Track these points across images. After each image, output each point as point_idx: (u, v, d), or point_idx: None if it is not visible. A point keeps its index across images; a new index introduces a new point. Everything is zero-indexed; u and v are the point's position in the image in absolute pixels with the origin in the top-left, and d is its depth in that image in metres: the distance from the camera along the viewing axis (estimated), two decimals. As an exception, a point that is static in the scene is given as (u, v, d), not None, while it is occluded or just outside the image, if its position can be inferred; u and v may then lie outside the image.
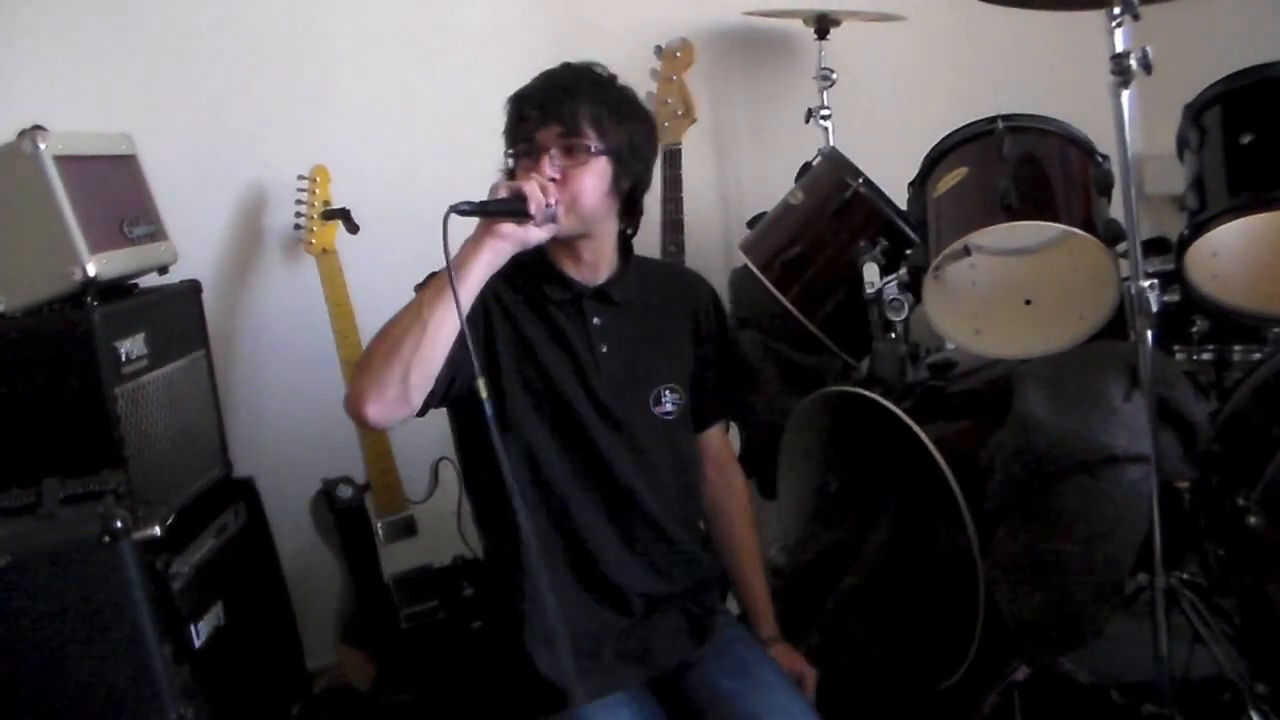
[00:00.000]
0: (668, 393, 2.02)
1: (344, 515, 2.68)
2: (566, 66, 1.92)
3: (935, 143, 2.58)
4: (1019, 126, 2.42)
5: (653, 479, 1.98)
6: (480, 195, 2.95)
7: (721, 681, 1.94)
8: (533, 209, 1.74)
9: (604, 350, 1.95)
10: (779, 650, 2.12)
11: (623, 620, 1.96)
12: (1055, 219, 2.32)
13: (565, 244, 1.92)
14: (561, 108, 1.83)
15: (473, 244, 1.76)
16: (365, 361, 1.79)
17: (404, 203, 2.96)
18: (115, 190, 2.35)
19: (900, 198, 2.68)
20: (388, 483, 2.71)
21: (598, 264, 1.97)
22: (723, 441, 2.24)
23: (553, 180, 1.82)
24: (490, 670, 2.01)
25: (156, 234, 2.44)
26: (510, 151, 1.91)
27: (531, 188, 1.74)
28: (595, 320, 1.96)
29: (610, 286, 1.98)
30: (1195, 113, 2.38)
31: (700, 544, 2.12)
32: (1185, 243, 2.30)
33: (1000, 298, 2.49)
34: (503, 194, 1.75)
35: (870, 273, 2.54)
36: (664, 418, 2.01)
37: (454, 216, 1.66)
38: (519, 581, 1.90)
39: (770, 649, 2.10)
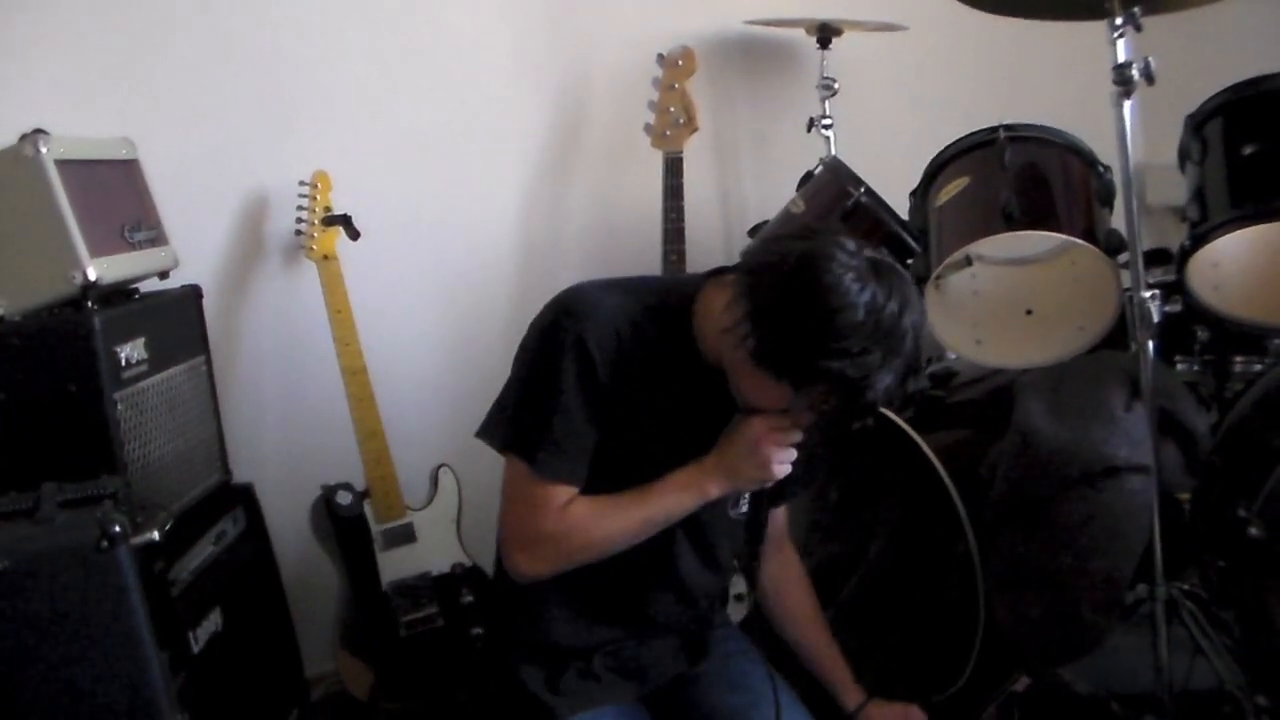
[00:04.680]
0: (747, 493, 1.90)
1: (343, 522, 2.68)
2: (913, 359, 1.64)
3: (937, 152, 2.58)
4: (1021, 136, 2.43)
5: (706, 563, 1.91)
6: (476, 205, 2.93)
7: (726, 697, 1.90)
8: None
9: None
10: (876, 708, 2.02)
11: (620, 638, 1.92)
12: (1057, 229, 2.32)
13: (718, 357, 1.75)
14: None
15: (695, 492, 1.74)
16: (559, 557, 1.77)
17: (405, 209, 2.97)
18: (116, 195, 2.35)
19: (902, 207, 2.69)
20: (387, 489, 2.70)
21: None
22: (782, 517, 2.12)
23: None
24: (482, 681, 1.98)
25: (157, 239, 2.43)
26: (799, 390, 1.61)
27: (785, 469, 1.73)
28: (715, 426, 1.79)
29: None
30: (1197, 124, 2.39)
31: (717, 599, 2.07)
32: (1186, 253, 2.31)
33: (1001, 308, 2.49)
34: (767, 479, 1.73)
35: (871, 282, 2.53)
36: (738, 518, 1.92)
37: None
38: (525, 605, 1.87)
39: (868, 712, 2.01)
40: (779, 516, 2.09)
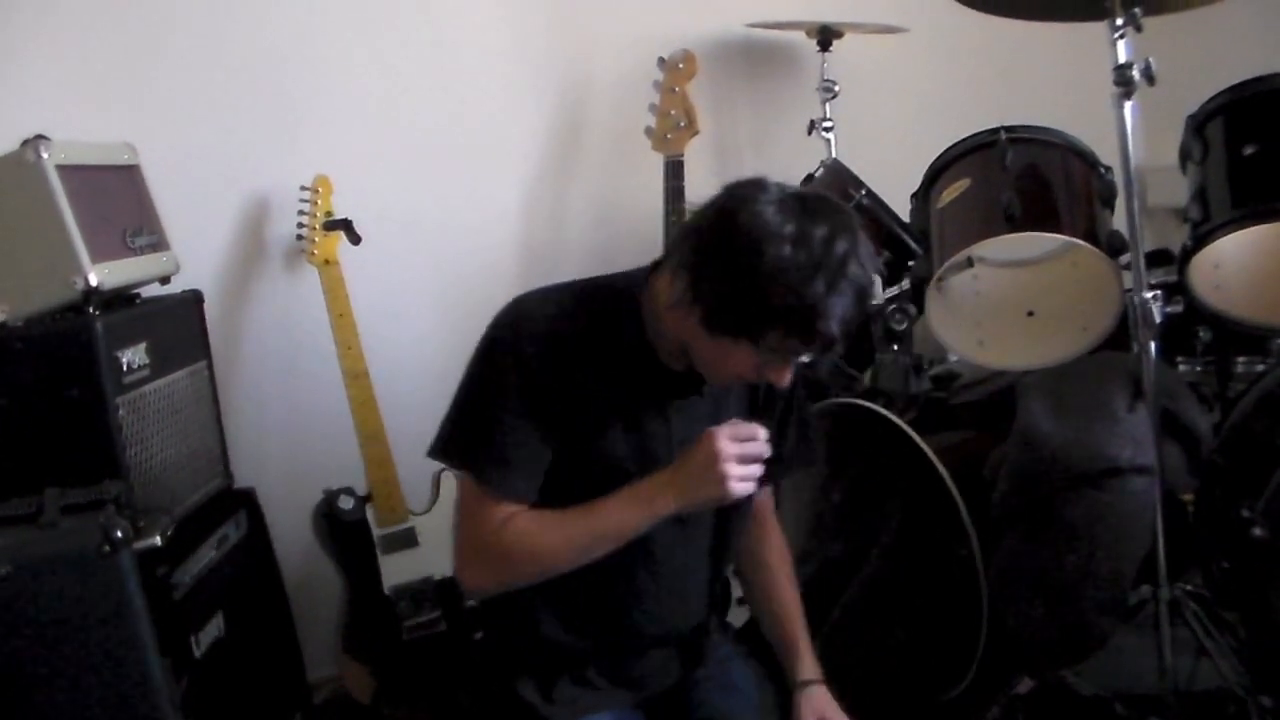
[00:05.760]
0: None
1: (345, 526, 2.67)
2: (862, 281, 1.58)
3: (938, 154, 2.58)
4: (1022, 138, 2.43)
5: (697, 564, 1.87)
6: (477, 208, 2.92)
7: (722, 702, 1.87)
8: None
9: (679, 446, 1.72)
10: (815, 695, 1.89)
11: (615, 644, 1.87)
12: (1058, 230, 2.32)
13: (680, 344, 1.69)
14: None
15: (645, 509, 1.65)
16: (502, 571, 1.73)
17: (406, 213, 2.97)
18: (118, 200, 2.35)
19: (903, 209, 2.69)
20: (389, 494, 2.70)
21: None
22: (765, 496, 2.02)
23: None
24: (479, 689, 1.96)
25: (159, 244, 2.44)
26: (757, 342, 1.57)
27: (746, 488, 1.63)
28: (676, 418, 1.76)
29: (698, 375, 1.74)
30: (1198, 124, 2.39)
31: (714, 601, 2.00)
32: (1188, 254, 2.31)
33: (1003, 309, 2.49)
34: (724, 498, 1.63)
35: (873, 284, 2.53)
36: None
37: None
38: (518, 613, 1.84)
39: (813, 692, 1.89)
40: (764, 495, 2.00)
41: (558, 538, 1.69)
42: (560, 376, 1.67)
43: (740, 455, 1.61)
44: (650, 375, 1.73)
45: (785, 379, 1.65)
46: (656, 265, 1.75)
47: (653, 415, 1.75)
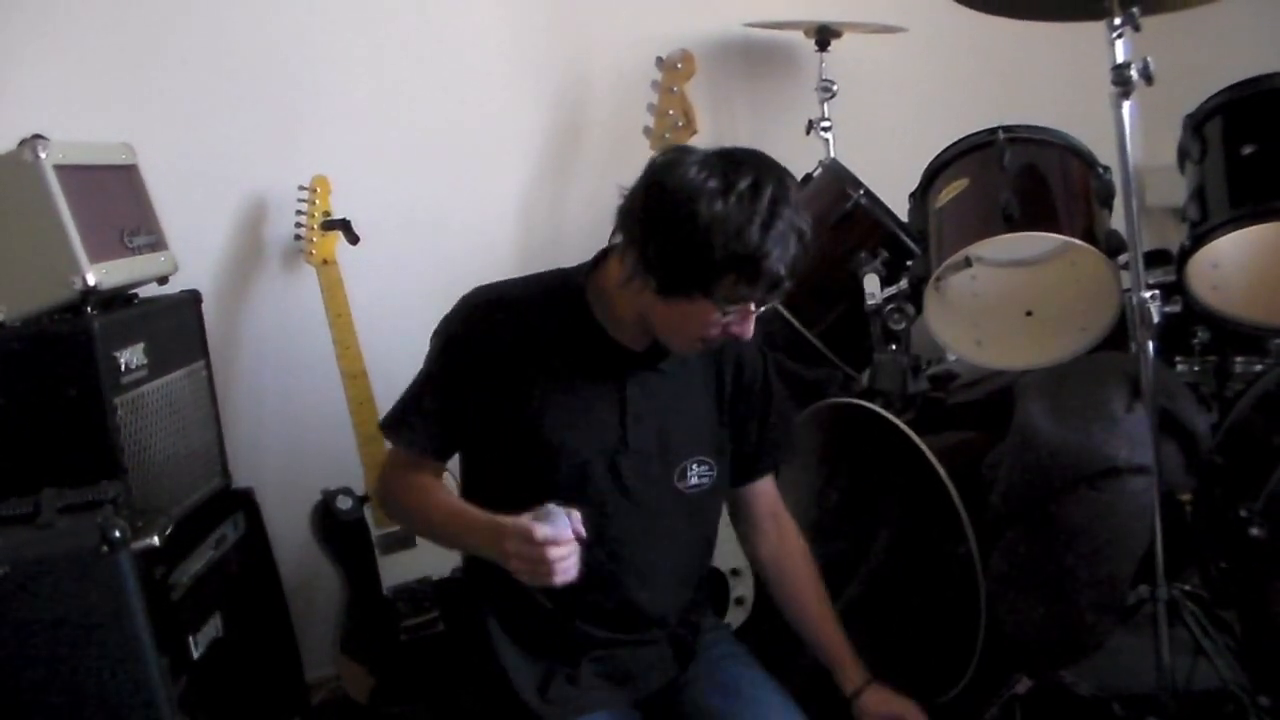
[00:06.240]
0: (694, 466, 1.86)
1: (343, 526, 2.67)
2: (796, 222, 1.63)
3: (936, 154, 2.58)
4: (1020, 138, 2.43)
5: (664, 549, 1.88)
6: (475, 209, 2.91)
7: (712, 700, 1.88)
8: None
9: (635, 426, 1.81)
10: (874, 694, 1.96)
11: (606, 637, 1.88)
12: (1056, 230, 2.32)
13: (637, 320, 1.76)
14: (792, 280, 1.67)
15: (480, 543, 1.69)
16: (385, 506, 1.99)
17: (404, 213, 2.97)
18: (116, 200, 2.35)
19: (901, 209, 2.69)
20: (387, 494, 2.70)
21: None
22: (772, 490, 2.07)
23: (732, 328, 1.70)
24: (467, 685, 1.96)
25: (157, 244, 2.44)
26: (711, 295, 1.64)
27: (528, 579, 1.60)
28: (631, 393, 1.81)
29: (655, 353, 1.81)
30: (1196, 124, 2.39)
31: (694, 593, 2.01)
32: (1186, 254, 2.31)
33: (1001, 309, 2.49)
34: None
35: (871, 284, 2.53)
36: (688, 492, 1.87)
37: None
38: (499, 597, 1.87)
39: (865, 697, 1.95)
40: (765, 488, 2.05)
41: (421, 514, 1.86)
42: (497, 351, 1.78)
43: (528, 560, 1.57)
44: (600, 351, 1.80)
45: (748, 330, 1.71)
46: (605, 254, 1.83)
47: (602, 386, 1.81)
